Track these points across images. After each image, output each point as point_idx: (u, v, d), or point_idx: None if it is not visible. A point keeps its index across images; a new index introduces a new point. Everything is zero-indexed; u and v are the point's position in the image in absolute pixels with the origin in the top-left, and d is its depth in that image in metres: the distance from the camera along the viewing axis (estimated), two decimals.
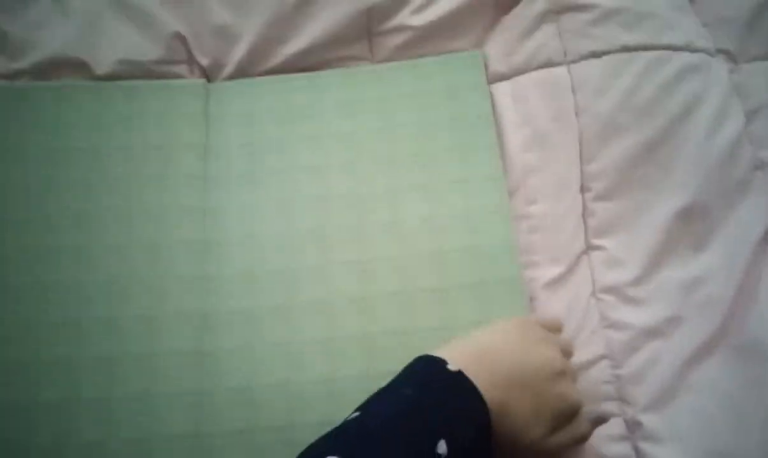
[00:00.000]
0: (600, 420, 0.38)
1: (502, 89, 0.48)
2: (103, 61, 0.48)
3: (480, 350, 0.32)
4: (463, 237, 0.42)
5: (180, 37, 0.49)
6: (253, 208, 0.44)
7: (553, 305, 0.41)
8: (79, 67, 0.48)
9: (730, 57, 0.48)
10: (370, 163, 0.45)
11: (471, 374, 0.29)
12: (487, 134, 0.45)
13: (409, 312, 0.40)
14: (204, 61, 0.49)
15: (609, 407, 0.38)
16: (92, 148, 0.44)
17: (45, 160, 0.44)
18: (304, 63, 0.50)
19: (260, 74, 0.49)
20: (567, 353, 0.36)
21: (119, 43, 0.48)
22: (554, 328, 0.38)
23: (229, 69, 0.49)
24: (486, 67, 0.49)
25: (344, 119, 0.46)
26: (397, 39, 0.50)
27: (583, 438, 0.34)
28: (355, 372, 0.39)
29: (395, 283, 0.41)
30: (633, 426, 0.37)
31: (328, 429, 0.28)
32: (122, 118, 0.46)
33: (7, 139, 0.44)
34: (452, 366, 0.30)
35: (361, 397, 0.30)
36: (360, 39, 0.51)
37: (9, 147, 0.44)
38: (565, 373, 0.33)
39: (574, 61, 0.47)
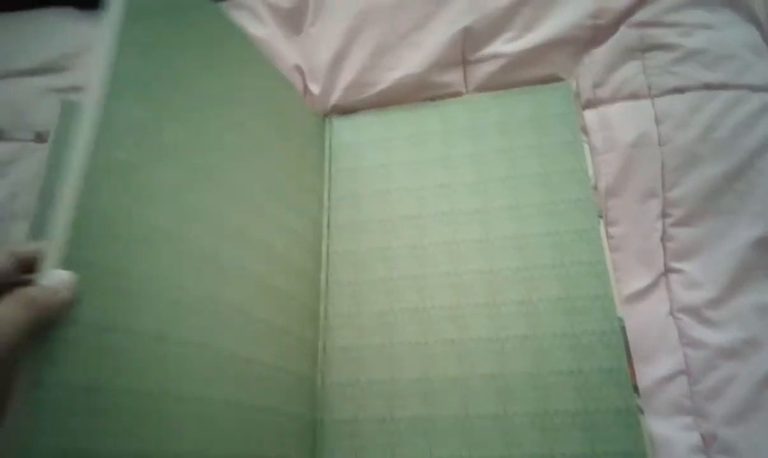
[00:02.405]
0: None
1: (588, 116, 0.51)
2: None
3: None
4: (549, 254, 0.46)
5: (299, 69, 0.54)
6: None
7: (631, 319, 0.44)
8: None
9: None
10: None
11: None
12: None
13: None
14: (316, 90, 0.54)
15: (686, 420, 0.41)
16: None
17: None
18: (404, 89, 0.53)
19: (364, 100, 0.54)
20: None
21: None
22: None
23: (336, 95, 0.54)
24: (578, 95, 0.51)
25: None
26: (490, 66, 0.53)
27: None
28: None
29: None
30: (709, 440, 0.40)
31: None
32: None
33: None
34: None
35: None
36: (455, 66, 0.54)
37: None
38: None
39: (658, 96, 0.49)
